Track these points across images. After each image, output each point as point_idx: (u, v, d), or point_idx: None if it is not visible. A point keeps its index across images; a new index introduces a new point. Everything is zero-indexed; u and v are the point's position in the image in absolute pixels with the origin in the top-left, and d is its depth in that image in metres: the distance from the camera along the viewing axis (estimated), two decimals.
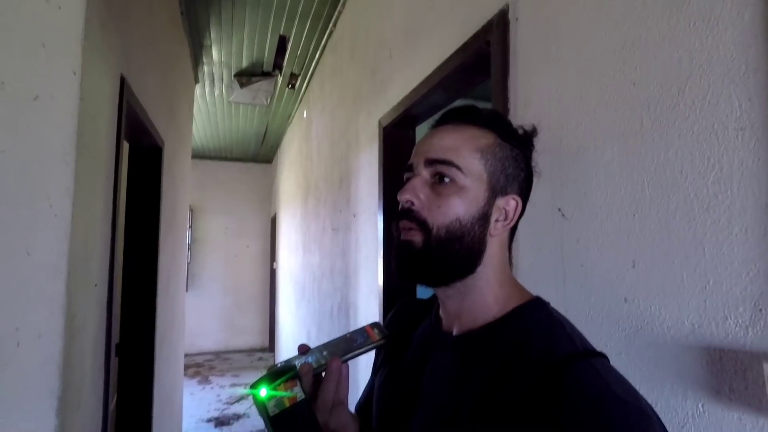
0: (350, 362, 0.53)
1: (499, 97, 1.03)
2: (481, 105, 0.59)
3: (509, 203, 0.52)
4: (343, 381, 0.52)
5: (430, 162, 0.51)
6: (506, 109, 1.01)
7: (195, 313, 5.97)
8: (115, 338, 1.48)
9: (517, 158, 0.53)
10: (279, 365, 0.50)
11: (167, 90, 2.29)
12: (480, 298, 0.52)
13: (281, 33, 2.86)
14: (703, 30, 0.60)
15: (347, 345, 0.54)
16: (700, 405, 0.60)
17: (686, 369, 0.62)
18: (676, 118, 0.64)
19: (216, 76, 3.52)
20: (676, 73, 0.64)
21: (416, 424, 0.51)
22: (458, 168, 0.50)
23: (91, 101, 1.06)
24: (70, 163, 0.95)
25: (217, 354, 6.36)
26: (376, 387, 0.63)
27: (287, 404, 0.44)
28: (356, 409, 0.67)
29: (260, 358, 6.18)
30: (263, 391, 0.44)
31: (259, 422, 4.31)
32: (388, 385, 0.59)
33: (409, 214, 0.50)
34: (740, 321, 0.56)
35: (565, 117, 0.84)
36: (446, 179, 0.50)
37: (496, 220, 0.52)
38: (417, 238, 0.50)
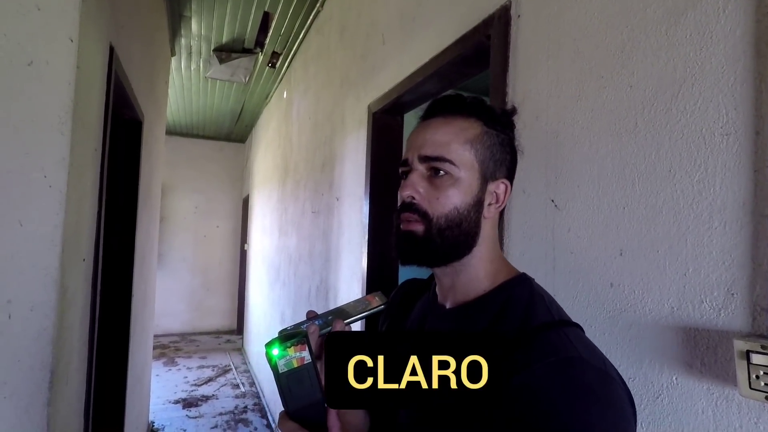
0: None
1: (497, 91, 1.08)
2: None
3: (500, 187, 0.58)
4: None
5: (425, 158, 0.56)
6: (504, 103, 1.06)
7: (161, 293, 5.76)
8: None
9: (503, 143, 0.58)
10: (289, 328, 0.56)
11: (148, 62, 2.21)
12: (473, 274, 0.58)
13: (266, 9, 2.79)
14: (698, 42, 0.66)
15: (351, 310, 0.59)
16: (674, 377, 0.68)
17: (663, 346, 0.69)
18: (668, 120, 0.70)
19: (194, 50, 3.40)
20: (671, 80, 0.70)
21: None
22: (451, 162, 0.55)
23: (85, 69, 1.03)
24: (66, 133, 0.93)
25: (183, 336, 6.25)
26: None
27: (296, 365, 0.49)
28: None
29: (228, 341, 6.12)
30: (276, 351, 0.49)
31: (227, 403, 4.28)
32: None
33: (411, 207, 0.55)
34: (714, 304, 0.63)
35: (563, 113, 0.90)
36: (441, 172, 0.55)
37: (489, 204, 0.57)
38: (419, 227, 0.55)
